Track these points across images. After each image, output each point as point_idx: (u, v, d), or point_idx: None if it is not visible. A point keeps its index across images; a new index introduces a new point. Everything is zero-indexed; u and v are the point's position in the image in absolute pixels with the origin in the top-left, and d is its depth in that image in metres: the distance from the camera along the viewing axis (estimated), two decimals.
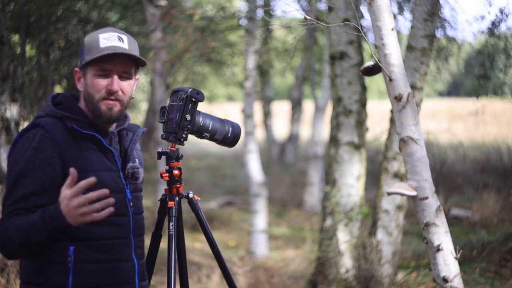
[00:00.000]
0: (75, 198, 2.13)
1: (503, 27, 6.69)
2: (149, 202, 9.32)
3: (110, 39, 2.38)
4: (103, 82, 2.37)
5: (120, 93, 2.39)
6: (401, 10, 7.44)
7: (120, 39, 2.40)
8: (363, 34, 2.81)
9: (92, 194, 2.13)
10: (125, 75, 2.41)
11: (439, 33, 7.09)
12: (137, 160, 2.51)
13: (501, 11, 6.45)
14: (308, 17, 2.80)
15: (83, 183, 2.13)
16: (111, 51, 2.35)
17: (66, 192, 2.15)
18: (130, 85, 2.43)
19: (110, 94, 2.37)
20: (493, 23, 6.47)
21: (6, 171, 2.38)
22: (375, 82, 20.76)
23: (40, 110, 2.45)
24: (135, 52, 2.42)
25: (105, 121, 2.41)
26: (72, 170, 2.14)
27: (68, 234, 2.26)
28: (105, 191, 2.14)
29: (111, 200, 2.15)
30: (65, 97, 2.46)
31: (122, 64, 2.39)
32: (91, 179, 2.13)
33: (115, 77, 2.38)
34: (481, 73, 7.18)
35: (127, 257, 2.42)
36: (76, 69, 2.43)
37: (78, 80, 2.43)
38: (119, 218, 2.39)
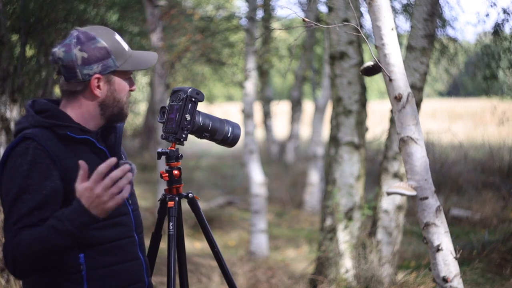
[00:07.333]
0: (97, 185, 2.06)
1: (507, 28, 6.65)
2: (149, 202, 9.32)
3: (123, 42, 2.39)
4: (127, 85, 2.40)
5: None
6: (406, 12, 7.42)
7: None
8: (362, 35, 2.81)
9: (116, 173, 2.07)
10: None
11: (439, 33, 7.08)
12: (123, 156, 2.49)
13: (504, 11, 6.43)
14: (307, 20, 2.81)
15: (103, 167, 2.06)
16: (152, 61, 2.41)
17: (83, 185, 2.07)
18: None
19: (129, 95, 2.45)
20: (497, 24, 6.45)
21: (3, 190, 2.24)
22: (375, 82, 20.75)
23: (20, 121, 2.33)
24: None
25: (123, 121, 2.45)
26: (82, 163, 2.08)
27: (76, 242, 2.15)
28: (114, 159, 2.08)
29: (130, 175, 2.11)
30: (46, 104, 2.35)
31: None
32: (112, 160, 2.08)
33: (131, 78, 2.43)
34: (487, 74, 7.15)
35: (134, 255, 2.42)
36: (99, 75, 2.31)
37: (97, 87, 2.32)
38: (122, 217, 2.39)
